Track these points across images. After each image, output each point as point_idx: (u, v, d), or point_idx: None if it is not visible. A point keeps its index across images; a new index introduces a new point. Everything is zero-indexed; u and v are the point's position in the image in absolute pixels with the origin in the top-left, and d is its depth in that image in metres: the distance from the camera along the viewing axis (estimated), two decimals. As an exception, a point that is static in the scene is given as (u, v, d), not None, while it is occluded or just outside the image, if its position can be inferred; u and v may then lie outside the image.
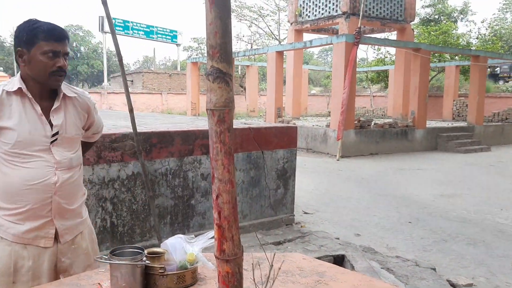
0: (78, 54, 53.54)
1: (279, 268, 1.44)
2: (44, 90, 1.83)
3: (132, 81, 29.23)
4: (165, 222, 4.13)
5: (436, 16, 29.34)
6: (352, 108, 12.30)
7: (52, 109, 1.83)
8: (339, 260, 3.96)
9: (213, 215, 4.00)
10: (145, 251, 1.69)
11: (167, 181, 4.13)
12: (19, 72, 1.85)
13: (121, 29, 33.70)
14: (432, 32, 21.86)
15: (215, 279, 1.73)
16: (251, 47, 32.78)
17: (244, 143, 4.62)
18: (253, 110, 23.57)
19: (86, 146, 2.18)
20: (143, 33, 37.44)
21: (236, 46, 34.53)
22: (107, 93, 25.99)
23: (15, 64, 47.96)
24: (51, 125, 1.82)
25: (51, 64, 1.77)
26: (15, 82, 1.80)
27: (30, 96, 1.79)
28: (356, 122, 12.60)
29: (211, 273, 1.79)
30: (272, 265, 1.37)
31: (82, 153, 2.06)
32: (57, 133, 1.83)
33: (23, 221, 1.80)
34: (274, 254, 1.38)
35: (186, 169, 4.26)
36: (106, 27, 32.83)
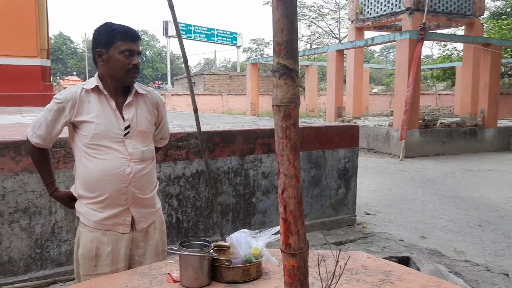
0: (144, 58, 55.89)
1: (345, 264, 1.44)
2: (119, 87, 1.98)
3: (194, 82, 30.06)
4: (227, 219, 4.22)
5: (508, 10, 27.56)
6: (417, 107, 11.86)
7: (125, 104, 1.97)
8: (403, 263, 3.84)
9: (274, 214, 4.08)
10: (212, 244, 1.74)
11: (229, 179, 4.22)
12: (97, 71, 2.02)
13: (183, 32, 34.74)
14: (503, 26, 20.57)
15: (279, 274, 1.75)
16: (310, 47, 32.55)
17: (304, 142, 4.61)
18: (312, 110, 23.41)
19: (157, 150, 2.30)
20: (204, 36, 38.42)
21: (295, 46, 34.38)
22: (171, 94, 26.90)
23: (87, 68, 50.81)
24: (124, 120, 1.96)
25: (128, 62, 1.92)
26: (93, 81, 1.97)
27: (106, 93, 1.95)
28: (420, 121, 12.14)
29: (275, 268, 1.81)
30: (337, 261, 1.37)
31: None
32: (129, 126, 1.96)
33: (103, 209, 1.95)
34: (340, 251, 1.37)
35: (247, 168, 4.32)
36: (170, 31, 34.05)
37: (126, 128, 1.96)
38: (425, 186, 7.96)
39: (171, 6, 3.13)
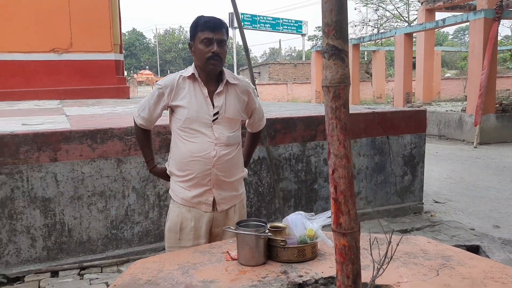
0: (210, 50, 56.87)
1: (397, 245, 1.42)
2: (211, 76, 2.11)
3: (259, 73, 30.26)
4: (289, 205, 4.27)
5: None
6: (493, 90, 11.12)
7: (216, 92, 2.11)
8: (472, 251, 3.68)
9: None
10: (268, 225, 1.80)
11: (290, 165, 4.26)
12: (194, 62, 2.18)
13: (249, 23, 34.99)
14: None
15: (334, 255, 1.77)
16: (378, 32, 31.47)
17: (367, 128, 4.53)
18: (379, 96, 22.72)
19: (253, 138, 2.46)
20: (269, 25, 38.42)
21: (362, 31, 33.43)
22: (236, 85, 27.25)
23: (158, 62, 52.70)
24: (214, 107, 2.10)
25: (207, 50, 2.03)
26: (190, 70, 2.12)
27: (200, 81, 2.10)
28: (497, 105, 11.37)
29: (331, 250, 1.83)
30: (390, 241, 1.36)
31: (252, 147, 2.46)
32: (217, 112, 2.09)
33: (190, 188, 2.13)
34: (392, 232, 1.37)
35: (309, 154, 4.33)
36: (236, 23, 34.53)
37: (215, 114, 2.09)
38: (501, 173, 7.49)
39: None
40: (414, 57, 15.94)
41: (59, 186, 3.49)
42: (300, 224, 1.82)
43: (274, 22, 38.73)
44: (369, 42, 20.80)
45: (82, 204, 3.56)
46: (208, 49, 2.03)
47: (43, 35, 7.08)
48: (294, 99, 26.99)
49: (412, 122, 4.78)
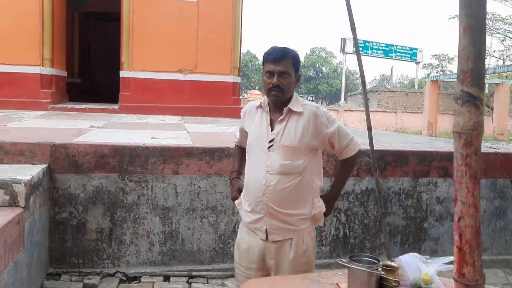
0: (320, 74, 57.39)
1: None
2: (277, 104, 2.14)
3: (368, 99, 29.65)
4: (395, 241, 4.13)
5: None
6: None
7: (277, 120, 2.14)
8: None
9: (447, 243, 3.88)
10: (381, 263, 1.79)
11: (399, 200, 4.13)
12: None
13: (360, 49, 34.60)
14: None
15: (450, 304, 1.70)
16: (503, 63, 29.05)
17: (488, 170, 4.23)
18: (501, 133, 20.88)
19: (344, 163, 2.29)
20: (381, 52, 37.63)
21: (486, 62, 31.09)
22: (343, 110, 27.06)
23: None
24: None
25: (268, 82, 2.09)
26: (263, 99, 2.23)
27: (266, 109, 2.17)
28: None
29: (446, 297, 1.76)
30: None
31: (340, 175, 2.34)
32: (273, 139, 2.12)
33: (249, 213, 2.19)
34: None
35: (420, 191, 4.16)
36: (347, 49, 34.37)
37: (270, 141, 2.11)
38: None
39: (353, 29, 3.26)
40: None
41: (178, 197, 3.79)
42: (415, 266, 1.78)
43: (387, 49, 37.86)
44: (493, 74, 19.29)
45: (196, 216, 3.82)
46: (269, 81, 2.07)
47: (173, 57, 7.81)
48: (403, 128, 25.92)
49: (542, 167, 4.36)
